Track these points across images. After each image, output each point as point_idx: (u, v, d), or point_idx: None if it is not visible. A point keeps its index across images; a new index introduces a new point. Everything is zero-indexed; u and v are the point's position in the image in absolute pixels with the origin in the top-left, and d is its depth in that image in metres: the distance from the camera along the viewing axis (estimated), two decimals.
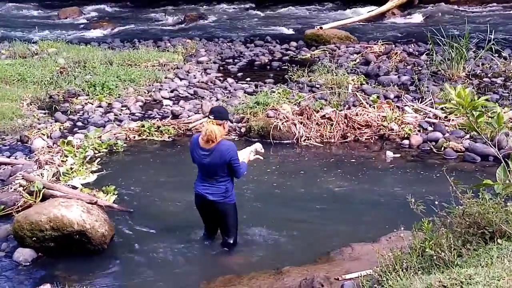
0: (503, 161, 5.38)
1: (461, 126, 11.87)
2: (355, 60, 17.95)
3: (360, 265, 6.96)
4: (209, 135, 7.41)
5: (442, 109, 12.88)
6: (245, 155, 8.08)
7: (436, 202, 5.77)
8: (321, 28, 21.53)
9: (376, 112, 12.69)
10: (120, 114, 13.62)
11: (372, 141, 12.12)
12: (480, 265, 4.75)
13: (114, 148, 11.66)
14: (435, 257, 5.19)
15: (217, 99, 14.45)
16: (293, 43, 20.86)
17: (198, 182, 7.86)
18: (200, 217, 8.17)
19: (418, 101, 13.61)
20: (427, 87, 14.53)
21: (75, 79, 15.56)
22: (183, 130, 12.65)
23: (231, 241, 8.06)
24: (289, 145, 12.02)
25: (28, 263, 7.81)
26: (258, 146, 8.33)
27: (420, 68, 16.78)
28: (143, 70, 16.61)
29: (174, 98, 14.91)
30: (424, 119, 12.55)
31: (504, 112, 10.88)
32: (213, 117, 7.47)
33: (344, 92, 14.01)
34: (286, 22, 26.06)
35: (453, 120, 12.33)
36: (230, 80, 16.31)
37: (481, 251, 5.03)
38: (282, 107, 12.69)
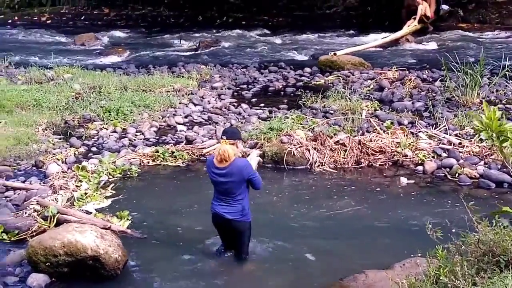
0: None
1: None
2: (369, 86, 17.97)
3: None
4: (223, 154, 7.71)
5: (457, 135, 12.87)
6: (253, 164, 8.25)
7: (453, 230, 5.74)
8: (335, 54, 21.57)
9: (390, 138, 12.67)
10: (134, 140, 13.67)
11: (386, 167, 12.09)
12: None
13: (128, 173, 11.69)
14: (449, 285, 5.16)
15: (231, 125, 14.47)
16: (307, 69, 20.91)
17: (214, 202, 8.09)
18: (218, 235, 8.43)
19: (432, 127, 13.59)
20: (441, 113, 14.51)
21: (90, 104, 15.65)
22: (197, 156, 12.67)
23: (244, 256, 8.32)
24: (303, 171, 12.01)
25: None
26: (255, 152, 8.39)
27: (434, 94, 16.76)
28: (157, 95, 16.68)
29: (188, 124, 14.95)
30: (438, 145, 12.52)
31: None
32: (225, 137, 7.81)
33: (358, 118, 14.01)
34: (301, 49, 26.14)
35: (467, 146, 12.30)
36: (244, 105, 16.35)
37: (496, 279, 5.00)
38: (296, 133, 12.70)
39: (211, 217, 8.22)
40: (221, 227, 8.20)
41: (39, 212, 9.47)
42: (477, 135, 11.87)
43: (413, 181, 11.37)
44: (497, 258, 5.24)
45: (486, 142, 11.61)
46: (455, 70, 16.11)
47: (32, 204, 9.87)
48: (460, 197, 8.17)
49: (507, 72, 15.98)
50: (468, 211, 5.70)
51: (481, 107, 14.28)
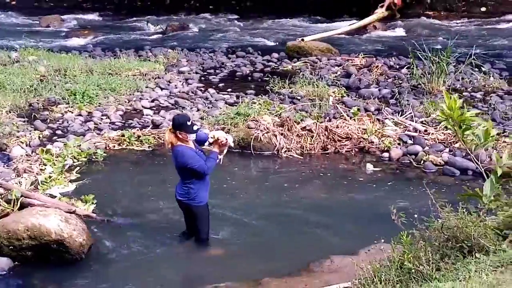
0: (484, 174, 5.41)
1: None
2: (336, 73, 18.00)
3: (339, 277, 6.97)
4: (166, 139, 8.02)
5: (423, 122, 12.96)
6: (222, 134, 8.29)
7: (415, 215, 5.77)
8: (302, 40, 21.59)
9: (356, 124, 12.72)
10: (100, 123, 13.55)
11: (352, 153, 12.14)
12: (458, 279, 4.76)
13: (94, 157, 11.60)
14: (413, 270, 5.19)
15: (198, 109, 14.42)
16: (275, 55, 20.88)
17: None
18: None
19: (398, 114, 13.67)
20: (407, 100, 14.59)
21: (55, 87, 15.46)
22: (163, 140, 12.59)
23: (201, 239, 8.40)
24: (270, 157, 12.02)
25: (5, 272, 7.75)
26: (212, 134, 8.31)
27: (400, 82, 16.84)
28: (124, 79, 16.55)
29: (154, 108, 14.85)
30: (404, 132, 12.60)
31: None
32: (171, 125, 8.02)
33: (325, 104, 14.04)
34: (268, 34, 26.11)
35: (432, 134, 12.40)
36: (211, 90, 16.28)
37: (459, 265, 5.04)
38: (263, 118, 12.69)
39: None
40: (179, 205, 8.34)
41: (2, 195, 9.33)
42: (440, 121, 11.98)
43: (379, 168, 11.43)
44: (460, 244, 5.28)
45: (450, 129, 11.71)
46: (421, 57, 16.20)
47: None
48: (424, 184, 8.22)
49: (473, 60, 16.11)
50: (432, 197, 5.74)
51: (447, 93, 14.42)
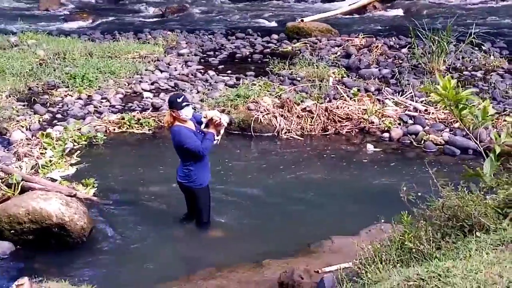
0: (483, 153, 5.40)
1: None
2: (336, 53, 17.95)
3: (340, 257, 6.97)
4: (164, 121, 8.06)
5: (423, 102, 12.94)
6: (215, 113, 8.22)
7: (418, 194, 5.76)
8: (302, 21, 21.50)
9: (356, 105, 12.70)
10: (100, 107, 13.53)
11: (352, 134, 12.13)
12: (459, 258, 4.75)
13: (94, 140, 11.60)
14: (414, 249, 5.19)
15: (198, 92, 14.39)
16: (275, 36, 20.80)
17: None
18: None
19: (399, 94, 13.64)
20: (408, 80, 14.56)
21: (54, 71, 15.42)
22: (163, 123, 12.58)
23: (202, 222, 8.39)
24: (270, 138, 12.01)
25: (6, 256, 7.78)
26: (205, 113, 8.26)
27: (400, 62, 16.80)
28: (123, 62, 16.49)
29: (154, 91, 14.82)
30: (404, 112, 12.58)
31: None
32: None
33: (325, 85, 14.00)
34: (268, 15, 26.01)
35: (433, 113, 12.38)
36: (211, 72, 16.25)
37: (460, 244, 5.03)
38: (263, 100, 12.67)
39: None
40: (180, 188, 8.34)
41: (3, 180, 9.35)
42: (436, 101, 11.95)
43: (379, 148, 11.43)
44: (461, 223, 5.27)
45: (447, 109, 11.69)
46: (422, 37, 16.14)
47: None
48: (426, 163, 8.21)
49: (473, 39, 16.06)
50: (433, 176, 5.72)
51: (448, 74, 14.39)
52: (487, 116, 5.23)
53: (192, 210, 8.45)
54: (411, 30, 16.24)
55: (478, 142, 5.80)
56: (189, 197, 8.35)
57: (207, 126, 8.05)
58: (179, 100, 7.82)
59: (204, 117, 8.09)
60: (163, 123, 8.04)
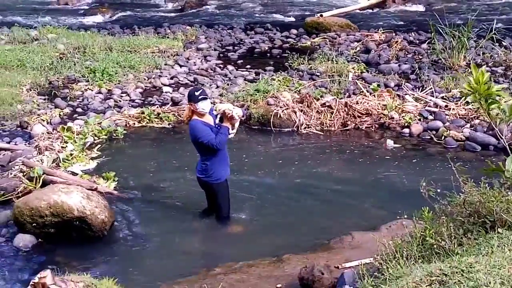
0: (508, 149, 5.37)
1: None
2: (355, 48, 17.90)
3: (360, 253, 6.97)
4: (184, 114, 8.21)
5: (443, 97, 12.87)
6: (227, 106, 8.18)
7: (438, 190, 5.74)
8: (321, 15, 21.45)
9: (376, 100, 12.66)
10: (120, 101, 13.59)
11: (372, 129, 12.11)
12: (481, 253, 4.75)
13: (114, 134, 11.64)
14: (435, 245, 5.18)
15: (217, 86, 14.41)
16: (294, 31, 20.76)
17: None
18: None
19: (419, 89, 13.59)
20: (428, 75, 14.50)
21: (75, 65, 15.51)
22: (182, 117, 12.59)
23: (222, 217, 8.41)
24: (289, 133, 12.01)
25: (28, 249, 7.84)
26: (215, 107, 8.26)
27: (420, 57, 16.74)
28: (143, 56, 16.56)
29: (174, 85, 14.87)
30: (424, 108, 12.53)
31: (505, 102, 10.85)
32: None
33: (345, 80, 13.97)
34: (287, 10, 25.97)
35: (453, 109, 12.33)
36: (230, 67, 16.27)
37: (482, 240, 5.02)
38: (282, 95, 12.66)
39: None
40: (199, 183, 8.38)
41: (24, 173, 9.43)
42: (463, 97, 11.89)
43: (399, 144, 11.39)
44: (482, 219, 5.26)
45: (472, 105, 11.63)
46: (442, 32, 16.06)
47: (17, 165, 9.83)
48: (448, 158, 8.18)
49: (493, 35, 15.95)
50: (455, 172, 5.70)
51: (468, 70, 14.30)
52: None
53: (212, 205, 8.47)
54: (431, 25, 16.16)
55: (503, 138, 5.78)
56: (208, 192, 8.37)
57: (221, 120, 8.01)
58: (196, 94, 7.87)
59: (215, 111, 8.10)
60: (182, 117, 8.05)
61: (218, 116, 8.04)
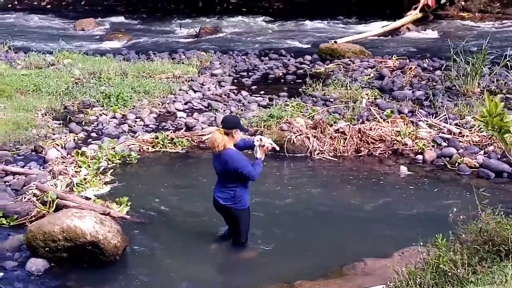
0: None
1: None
2: (369, 75, 17.91)
3: (373, 280, 6.93)
4: (212, 142, 7.97)
5: (457, 124, 12.83)
6: (259, 152, 8.25)
7: (453, 218, 5.72)
8: (335, 42, 21.51)
9: (390, 127, 12.64)
10: (134, 126, 13.65)
11: (385, 155, 12.07)
12: (495, 282, 4.72)
13: (128, 159, 11.67)
14: (449, 273, 5.15)
15: (231, 112, 14.45)
16: (308, 57, 20.82)
17: (215, 186, 8.26)
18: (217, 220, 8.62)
19: (432, 116, 13.57)
20: (442, 102, 14.48)
21: (90, 90, 15.60)
22: (196, 142, 12.64)
23: (240, 242, 8.40)
24: (303, 159, 12.00)
25: (41, 273, 7.83)
26: (259, 138, 8.35)
27: (434, 84, 16.72)
28: (157, 82, 16.64)
29: (188, 110, 14.92)
30: (438, 134, 12.49)
31: None
32: (221, 126, 7.98)
33: (358, 106, 13.98)
34: (301, 36, 26.07)
35: (467, 136, 12.29)
36: (244, 93, 16.32)
37: (496, 268, 4.99)
38: (296, 121, 12.68)
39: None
40: (218, 210, 8.34)
41: (38, 197, 9.47)
42: (477, 124, 11.85)
43: (413, 170, 11.35)
44: (497, 247, 5.23)
45: (486, 132, 11.59)
46: (456, 59, 16.04)
47: (31, 189, 9.87)
48: (461, 185, 8.14)
49: (508, 62, 15.93)
50: (477, 198, 5.68)
51: (482, 97, 14.27)
52: None
53: (233, 230, 8.46)
54: (451, 51, 16.07)
55: None
56: (231, 219, 8.34)
57: (253, 149, 8.18)
58: (239, 121, 8.13)
59: (257, 141, 8.20)
60: (209, 144, 7.89)
61: (257, 146, 8.17)
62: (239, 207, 8.13)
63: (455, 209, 5.70)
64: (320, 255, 8.29)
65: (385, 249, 8.02)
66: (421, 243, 6.59)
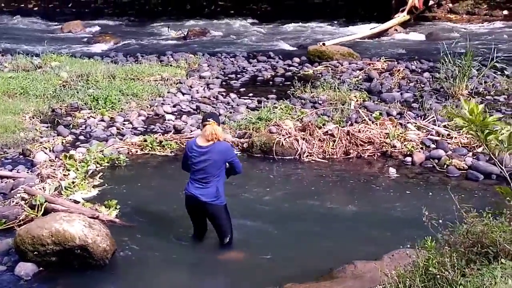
0: (509, 179, 5.37)
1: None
2: (357, 77, 17.97)
3: (363, 283, 6.93)
4: (215, 134, 8.08)
5: (445, 126, 12.87)
6: None
7: (440, 220, 5.73)
8: (324, 44, 21.57)
9: (378, 129, 12.67)
10: (122, 129, 13.62)
11: (374, 158, 12.10)
12: (484, 284, 4.73)
13: (116, 162, 11.64)
14: (438, 276, 5.15)
15: (220, 114, 14.41)
16: (296, 59, 20.86)
17: (190, 185, 8.32)
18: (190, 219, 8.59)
19: (421, 118, 13.61)
20: (430, 104, 14.53)
21: (77, 93, 15.57)
22: (185, 145, 12.61)
23: (226, 241, 8.42)
24: (292, 161, 12.00)
25: (30, 278, 7.78)
26: None
27: (423, 85, 16.80)
28: (145, 84, 16.62)
29: (176, 113, 14.92)
30: (426, 136, 12.53)
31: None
32: (212, 120, 8.15)
33: (347, 108, 14.01)
34: (289, 38, 26.12)
35: (455, 138, 12.33)
36: (232, 95, 16.32)
37: (485, 270, 5.00)
38: (284, 123, 12.69)
39: (185, 200, 8.43)
40: (194, 209, 8.38)
41: (26, 201, 9.43)
42: (460, 126, 11.88)
43: (401, 172, 11.38)
44: (486, 249, 5.24)
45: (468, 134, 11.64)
46: (444, 61, 16.11)
47: (19, 193, 9.81)
48: (448, 189, 8.16)
49: (495, 64, 16.01)
50: (456, 203, 5.70)
51: (469, 98, 14.33)
52: None
53: (203, 229, 8.59)
54: (439, 53, 16.12)
55: (503, 168, 5.77)
56: (209, 218, 8.39)
57: None
58: None
59: None
60: (209, 136, 8.01)
61: None
62: (220, 203, 8.18)
63: (426, 212, 5.70)
64: (310, 258, 8.28)
65: (375, 251, 8.01)
66: (408, 246, 6.63)
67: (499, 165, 5.98)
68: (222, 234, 8.40)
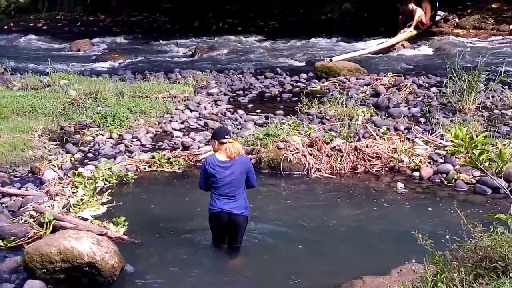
0: (510, 195, 5.37)
1: (465, 164, 11.84)
2: (365, 92, 17.97)
3: None
4: (237, 151, 8.34)
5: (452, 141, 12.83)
6: None
7: (447, 236, 5.72)
8: (331, 60, 21.59)
9: (386, 144, 12.67)
10: (130, 146, 13.66)
11: (382, 172, 12.09)
12: None
13: (125, 179, 11.66)
14: None
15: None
16: (303, 75, 20.90)
17: (217, 201, 8.39)
18: (212, 235, 8.78)
19: (428, 133, 13.60)
20: (437, 119, 14.52)
21: (86, 110, 15.62)
22: (193, 162, 12.66)
23: (239, 245, 8.71)
24: (299, 177, 12.00)
25: None
26: None
27: (430, 100, 16.79)
28: (153, 101, 16.66)
29: (184, 130, 14.95)
30: (434, 151, 12.51)
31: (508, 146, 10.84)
32: (229, 137, 8.41)
33: (354, 123, 14.01)
34: (296, 54, 26.17)
35: None
36: (240, 111, 16.35)
37: (494, 285, 4.99)
38: (292, 139, 12.70)
39: (211, 217, 8.47)
40: (221, 224, 8.45)
41: (35, 219, 9.45)
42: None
43: (409, 187, 11.36)
44: (494, 264, 5.23)
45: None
46: (452, 75, 16.11)
47: (28, 211, 9.82)
48: (458, 201, 8.14)
49: (503, 78, 16.01)
50: (463, 218, 5.70)
51: (478, 113, 14.32)
52: (506, 159, 5.23)
53: (225, 239, 8.74)
54: (446, 68, 16.12)
55: (503, 184, 5.79)
56: (233, 229, 8.55)
57: None
58: None
59: None
60: (233, 154, 8.29)
61: None
62: (247, 214, 8.51)
63: (419, 235, 5.71)
64: (318, 273, 8.27)
65: (383, 266, 7.99)
66: (413, 260, 6.61)
67: (497, 182, 5.99)
68: (237, 241, 8.64)
